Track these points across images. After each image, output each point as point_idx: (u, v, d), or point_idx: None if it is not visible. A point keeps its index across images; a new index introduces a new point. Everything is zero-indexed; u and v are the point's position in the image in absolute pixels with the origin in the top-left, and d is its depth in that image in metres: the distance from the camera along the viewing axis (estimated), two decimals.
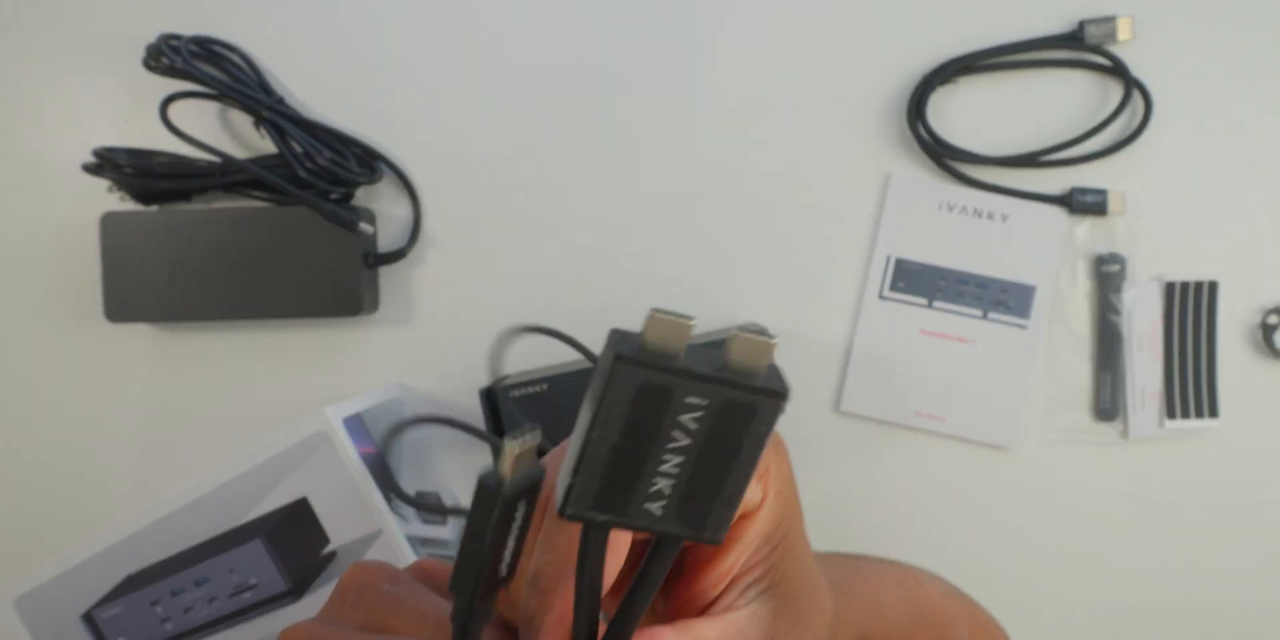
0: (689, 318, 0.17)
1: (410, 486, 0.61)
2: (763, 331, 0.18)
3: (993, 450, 0.61)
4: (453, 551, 0.60)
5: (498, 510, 0.19)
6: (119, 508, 0.62)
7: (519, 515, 0.20)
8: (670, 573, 0.22)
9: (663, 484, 0.18)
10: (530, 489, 0.19)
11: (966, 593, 0.42)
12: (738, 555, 0.22)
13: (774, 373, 0.18)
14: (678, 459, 0.18)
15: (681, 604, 0.23)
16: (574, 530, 0.20)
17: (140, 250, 0.59)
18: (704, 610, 0.23)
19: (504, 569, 0.20)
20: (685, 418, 0.17)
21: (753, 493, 0.22)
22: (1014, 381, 0.60)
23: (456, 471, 0.62)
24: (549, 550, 0.21)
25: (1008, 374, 0.60)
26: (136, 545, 0.57)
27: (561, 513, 0.19)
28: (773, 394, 0.18)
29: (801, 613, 0.24)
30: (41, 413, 0.62)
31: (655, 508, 0.18)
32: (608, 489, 0.18)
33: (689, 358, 0.18)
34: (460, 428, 0.56)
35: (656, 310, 0.17)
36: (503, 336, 0.59)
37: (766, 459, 0.21)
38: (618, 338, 0.18)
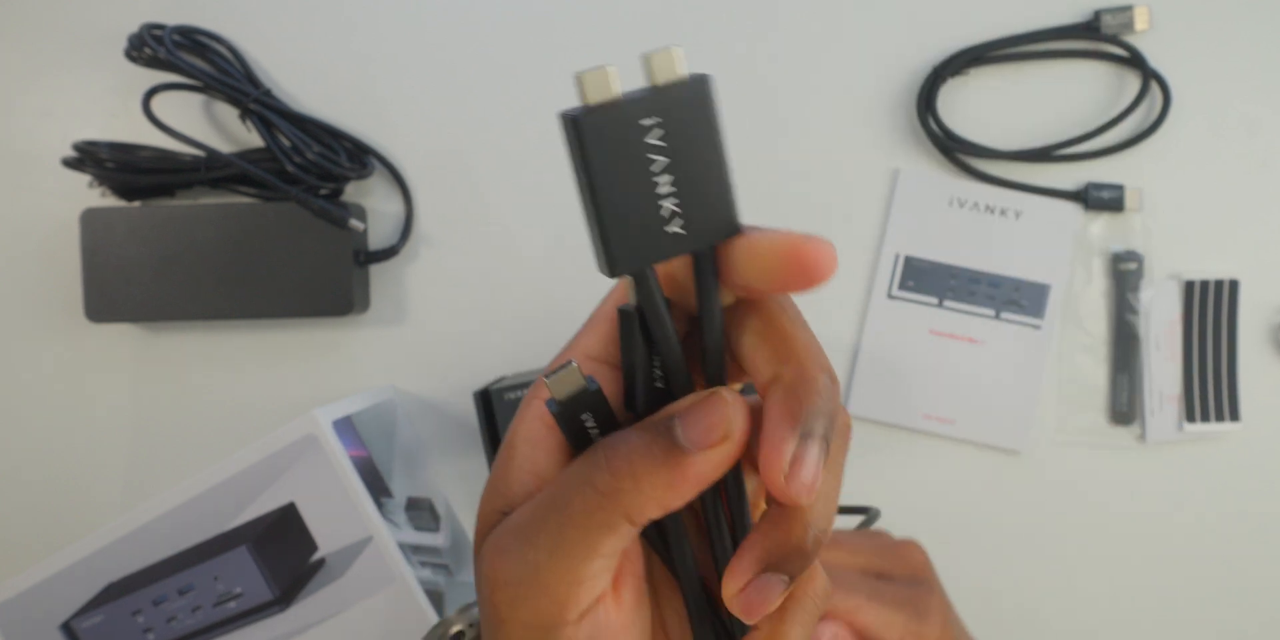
0: (606, 65, 0.20)
1: (402, 492, 0.60)
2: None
3: (1004, 454, 0.60)
4: (444, 559, 0.59)
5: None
6: (100, 514, 0.61)
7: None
8: None
9: (670, 204, 0.21)
10: None
11: None
12: None
13: (692, 75, 0.21)
14: (668, 177, 0.20)
15: None
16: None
17: (122, 247, 0.58)
18: None
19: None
20: (651, 138, 0.20)
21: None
22: (1026, 383, 0.59)
23: (450, 476, 0.61)
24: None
25: (1020, 376, 0.59)
26: (118, 552, 0.56)
27: (612, 274, 0.21)
28: (697, 79, 0.21)
29: None
30: (20, 417, 0.62)
31: (677, 228, 0.21)
32: (636, 233, 0.21)
33: (625, 97, 0.20)
34: None
35: (578, 72, 0.20)
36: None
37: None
38: (567, 111, 0.20)
